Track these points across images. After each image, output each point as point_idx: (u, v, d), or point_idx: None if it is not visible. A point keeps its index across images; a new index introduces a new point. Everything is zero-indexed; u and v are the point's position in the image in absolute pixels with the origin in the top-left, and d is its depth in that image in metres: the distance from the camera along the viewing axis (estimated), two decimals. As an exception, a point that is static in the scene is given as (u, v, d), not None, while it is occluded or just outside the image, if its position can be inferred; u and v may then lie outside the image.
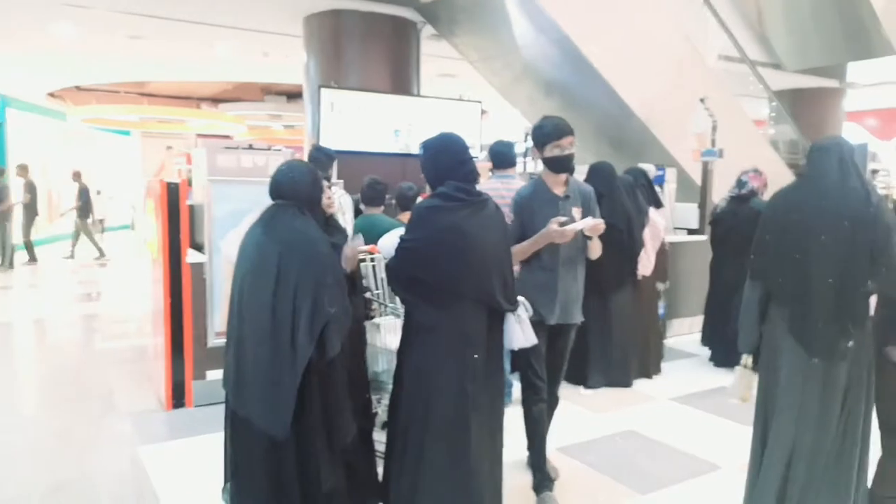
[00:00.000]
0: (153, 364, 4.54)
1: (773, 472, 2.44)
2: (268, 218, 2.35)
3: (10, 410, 4.14)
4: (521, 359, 2.82)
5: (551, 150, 2.74)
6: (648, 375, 4.75)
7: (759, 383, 2.59)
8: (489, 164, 4.83)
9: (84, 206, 11.38)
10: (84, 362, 5.19)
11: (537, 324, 2.66)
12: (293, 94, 14.71)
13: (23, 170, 11.14)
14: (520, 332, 2.47)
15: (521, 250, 2.76)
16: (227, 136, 16.14)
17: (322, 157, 4.22)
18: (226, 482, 2.47)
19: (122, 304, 7.59)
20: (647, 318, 4.73)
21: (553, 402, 3.00)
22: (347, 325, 2.31)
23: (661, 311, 4.98)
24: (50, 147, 15.00)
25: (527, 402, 2.87)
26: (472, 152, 2.57)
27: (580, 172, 3.65)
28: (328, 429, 2.28)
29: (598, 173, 4.32)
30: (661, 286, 4.89)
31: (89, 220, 11.63)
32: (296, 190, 2.36)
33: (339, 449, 2.32)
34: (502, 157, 4.02)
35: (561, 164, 2.75)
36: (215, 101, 15.90)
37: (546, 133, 2.74)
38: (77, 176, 11.73)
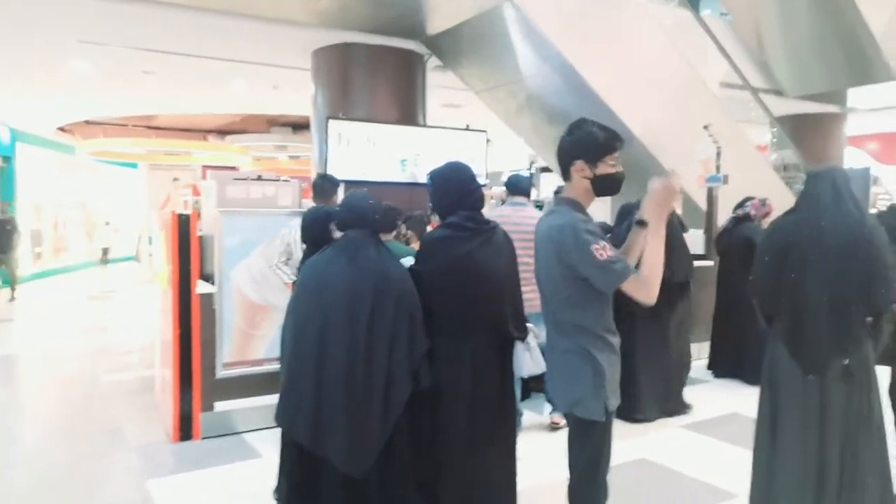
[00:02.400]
0: (161, 396, 4.53)
1: (788, 497, 2.42)
2: (352, 249, 2.28)
3: (16, 444, 4.12)
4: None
5: (606, 166, 2.09)
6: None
7: (761, 404, 2.59)
8: (492, 192, 4.94)
9: (3, 241, 10.46)
10: (91, 394, 5.17)
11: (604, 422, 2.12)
12: (299, 126, 14.87)
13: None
14: (529, 360, 2.49)
15: (633, 246, 2.14)
16: (232, 168, 16.29)
17: (327, 185, 4.27)
18: None
19: (128, 336, 7.58)
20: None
21: None
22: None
23: None
24: (58, 180, 15.15)
25: None
26: (479, 180, 2.59)
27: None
28: (414, 462, 2.25)
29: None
30: None
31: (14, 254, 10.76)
32: (373, 218, 2.35)
33: (422, 482, 2.28)
34: (517, 185, 4.19)
35: (615, 185, 2.11)
36: (222, 132, 16.09)
37: (602, 143, 2.09)
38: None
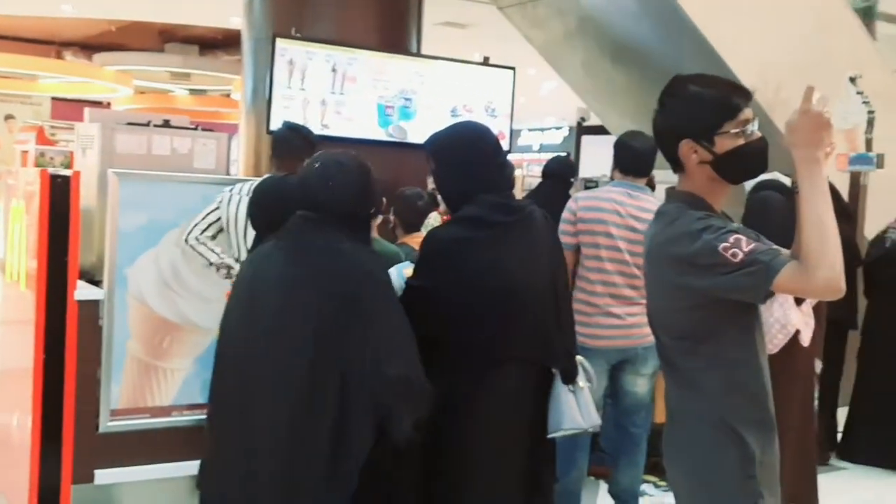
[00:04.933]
0: (5, 457, 4.52)
1: None
2: (293, 240, 2.35)
3: None
4: None
5: (729, 137, 2.12)
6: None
7: None
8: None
9: None
10: None
11: None
12: (209, 44, 14.85)
13: None
14: (574, 407, 2.54)
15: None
16: (98, 104, 16.22)
17: (296, 141, 4.26)
18: None
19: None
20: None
21: None
22: (428, 400, 2.28)
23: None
24: None
25: None
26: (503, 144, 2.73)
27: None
28: None
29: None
30: (819, 365, 4.92)
31: None
32: (337, 197, 2.38)
33: None
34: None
35: (753, 160, 2.18)
36: (87, 48, 16.04)
37: (712, 106, 2.15)
38: None
